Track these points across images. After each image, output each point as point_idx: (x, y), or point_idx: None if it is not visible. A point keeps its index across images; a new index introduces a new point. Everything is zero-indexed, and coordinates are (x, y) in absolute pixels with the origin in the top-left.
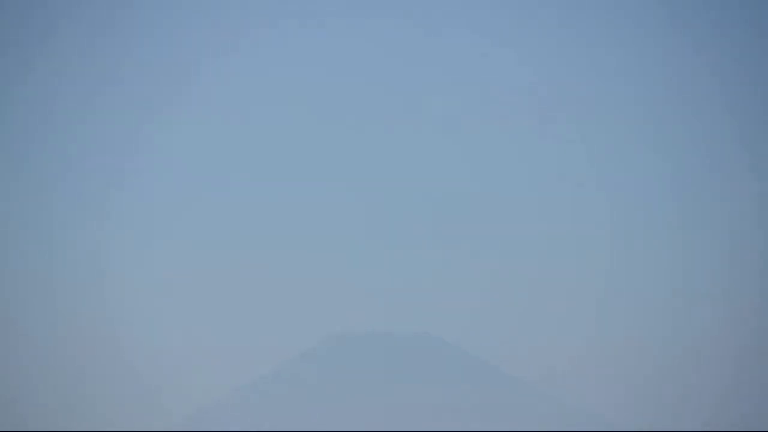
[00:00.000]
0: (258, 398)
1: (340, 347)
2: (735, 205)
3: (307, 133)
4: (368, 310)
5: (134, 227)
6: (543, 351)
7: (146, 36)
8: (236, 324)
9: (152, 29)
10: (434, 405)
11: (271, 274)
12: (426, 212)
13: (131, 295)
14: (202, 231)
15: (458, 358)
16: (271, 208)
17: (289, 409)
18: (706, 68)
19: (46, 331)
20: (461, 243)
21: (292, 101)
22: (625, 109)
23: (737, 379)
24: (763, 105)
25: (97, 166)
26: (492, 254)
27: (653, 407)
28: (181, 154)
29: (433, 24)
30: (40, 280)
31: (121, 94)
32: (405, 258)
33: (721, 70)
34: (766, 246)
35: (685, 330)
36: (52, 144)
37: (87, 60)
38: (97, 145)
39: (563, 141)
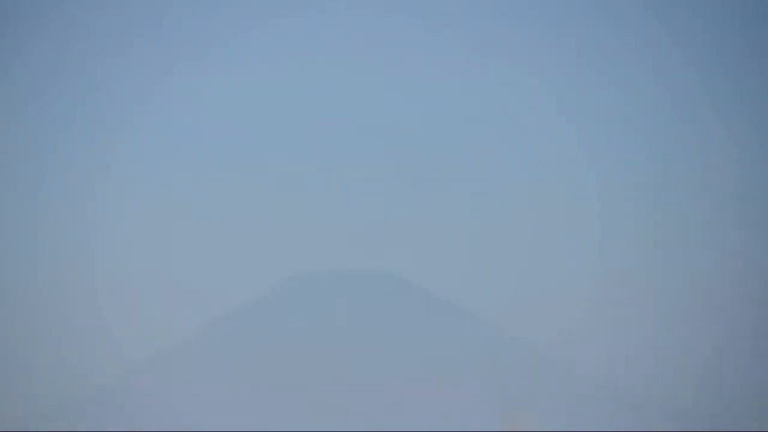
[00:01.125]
0: (221, 338)
1: (305, 287)
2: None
3: (279, 73)
4: (331, 250)
5: (101, 158)
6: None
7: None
8: (200, 263)
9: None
10: (399, 346)
11: (236, 214)
12: (396, 149)
13: (100, 230)
14: (169, 168)
15: (422, 298)
16: (237, 146)
17: (253, 349)
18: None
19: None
20: (436, 182)
21: (274, 34)
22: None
23: (736, 331)
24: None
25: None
26: (463, 194)
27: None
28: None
29: None
30: None
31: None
32: (371, 198)
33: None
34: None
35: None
36: None
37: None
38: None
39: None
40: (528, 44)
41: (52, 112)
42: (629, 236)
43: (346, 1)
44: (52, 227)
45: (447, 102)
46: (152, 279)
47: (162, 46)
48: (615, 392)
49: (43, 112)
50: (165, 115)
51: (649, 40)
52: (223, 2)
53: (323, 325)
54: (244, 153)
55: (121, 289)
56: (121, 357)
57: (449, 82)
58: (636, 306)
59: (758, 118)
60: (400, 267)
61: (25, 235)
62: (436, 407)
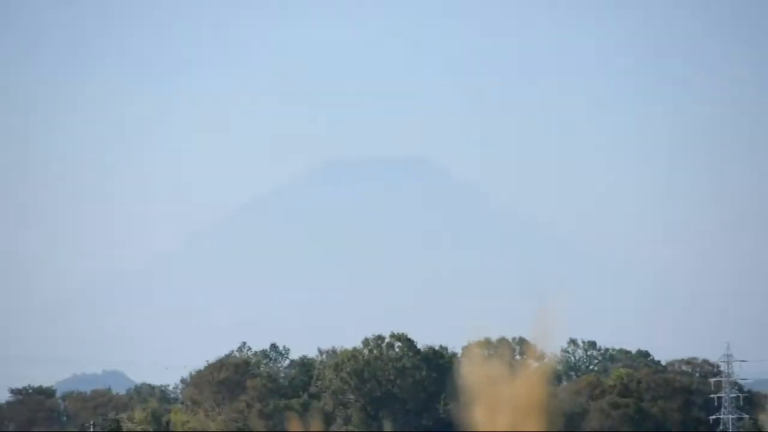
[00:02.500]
0: (255, 219)
1: (331, 171)
2: None
3: None
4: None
5: None
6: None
7: None
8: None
9: None
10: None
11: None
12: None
13: None
14: None
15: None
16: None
17: (289, 230)
18: None
19: None
20: None
21: None
22: None
23: None
24: None
25: None
26: None
27: None
28: None
29: None
30: None
31: None
32: None
33: None
34: None
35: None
36: None
37: None
38: None
39: None
40: None
41: None
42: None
43: None
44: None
45: None
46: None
47: None
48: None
49: None
50: None
51: None
52: None
53: (355, 206)
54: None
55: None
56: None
57: None
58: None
59: None
60: (432, 153)
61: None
62: (464, 285)
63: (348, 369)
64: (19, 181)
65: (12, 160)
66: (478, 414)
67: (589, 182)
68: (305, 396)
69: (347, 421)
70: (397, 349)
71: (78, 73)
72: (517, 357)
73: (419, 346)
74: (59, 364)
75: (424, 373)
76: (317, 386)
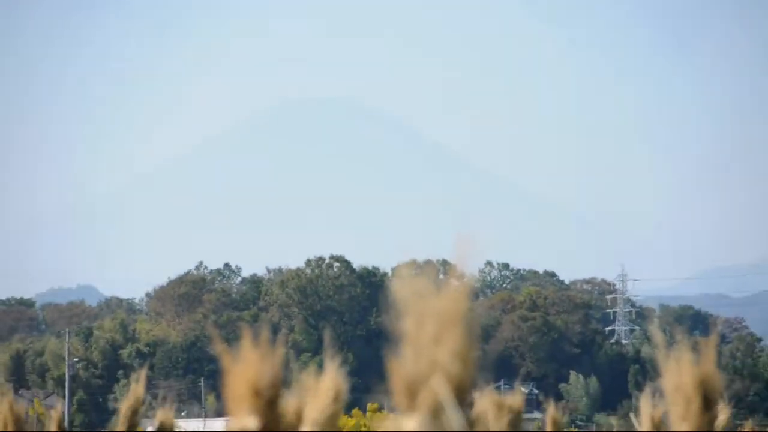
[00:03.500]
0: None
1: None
2: None
3: None
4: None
5: None
6: None
7: None
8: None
9: None
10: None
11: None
12: None
13: None
14: None
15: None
16: None
17: (247, 162)
18: None
19: None
20: None
21: None
22: None
23: None
24: None
25: None
26: None
27: None
28: None
29: None
30: None
31: None
32: None
33: None
34: None
35: None
36: None
37: None
38: None
39: None
40: None
41: None
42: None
43: None
44: None
45: None
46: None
47: None
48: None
49: None
50: None
51: None
52: None
53: (304, 143)
54: None
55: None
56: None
57: None
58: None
59: None
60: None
61: None
62: (394, 212)
63: (292, 286)
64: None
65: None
66: (406, 325)
67: (509, 116)
68: (255, 309)
69: (291, 330)
70: (335, 269)
71: None
72: (441, 276)
73: (355, 266)
74: (36, 278)
75: (358, 289)
76: (265, 301)
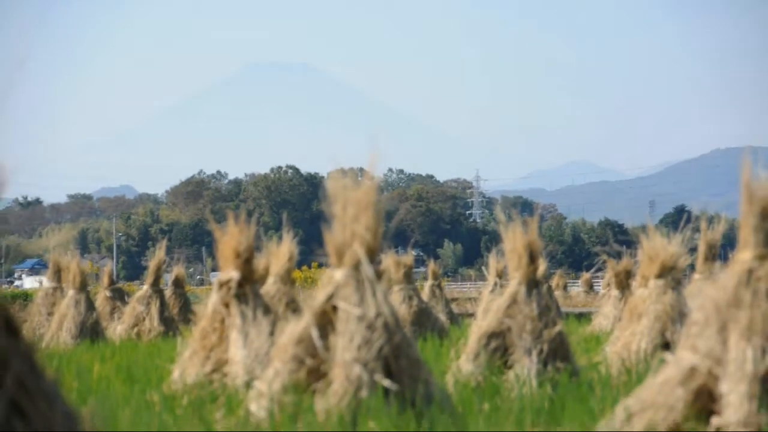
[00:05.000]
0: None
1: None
2: None
3: None
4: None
5: None
6: None
7: None
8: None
9: None
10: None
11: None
12: None
13: None
14: None
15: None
16: None
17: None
18: None
19: None
20: None
21: None
22: None
23: None
24: None
25: None
26: None
27: None
28: None
29: None
30: None
31: None
32: None
33: None
34: None
35: None
36: None
37: None
38: None
39: None
40: None
41: None
42: None
43: None
44: None
45: None
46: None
47: None
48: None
49: None
50: None
51: None
52: None
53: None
54: None
55: None
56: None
57: None
58: None
59: None
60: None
61: None
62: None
63: (261, 186)
64: None
65: None
66: (335, 210)
67: (435, 73)
68: (237, 201)
69: (261, 215)
70: (290, 174)
71: None
72: (359, 178)
73: (303, 172)
74: (92, 179)
75: (305, 188)
76: (244, 195)
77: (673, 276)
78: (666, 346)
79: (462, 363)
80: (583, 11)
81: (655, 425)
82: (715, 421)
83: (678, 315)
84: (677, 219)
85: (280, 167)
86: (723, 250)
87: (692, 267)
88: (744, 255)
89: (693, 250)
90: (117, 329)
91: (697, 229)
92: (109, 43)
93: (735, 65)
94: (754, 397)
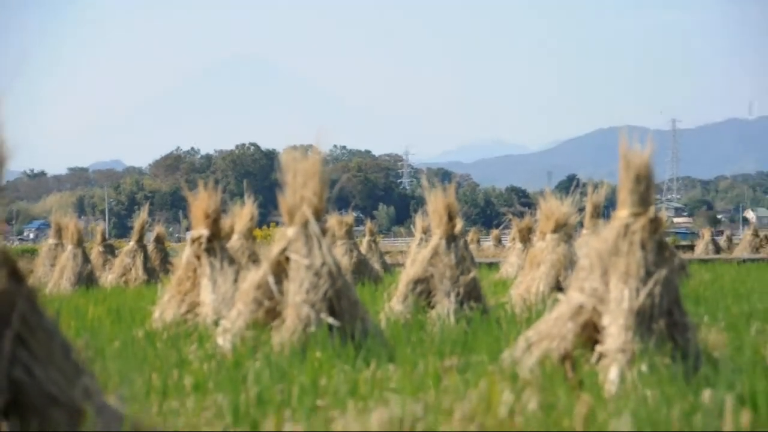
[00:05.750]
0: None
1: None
2: None
3: None
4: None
5: None
6: None
7: None
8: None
9: None
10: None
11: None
12: None
13: None
14: None
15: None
16: None
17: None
18: None
19: None
20: None
21: None
22: None
23: None
24: None
25: None
26: None
27: None
28: None
29: None
30: None
31: None
32: None
33: None
34: None
35: None
36: None
37: None
38: None
39: None
40: None
41: None
42: None
43: None
44: None
45: None
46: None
47: None
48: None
49: None
50: None
51: None
52: None
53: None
54: None
55: None
56: None
57: None
58: None
59: None
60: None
61: None
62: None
63: (228, 160)
64: None
65: None
66: (287, 178)
67: (374, 63)
68: (208, 172)
69: (227, 183)
70: (252, 150)
71: None
72: (308, 153)
73: (263, 148)
74: (88, 154)
75: (264, 161)
76: (213, 168)
77: (565, 231)
78: (559, 288)
79: (393, 304)
80: None
81: (550, 352)
82: (598, 348)
83: (569, 262)
84: (569, 186)
85: (244, 144)
86: (606, 210)
87: (581, 224)
88: (622, 213)
89: (581, 210)
90: (108, 278)
91: (584, 194)
92: (99, 40)
93: (614, 56)
94: (630, 329)
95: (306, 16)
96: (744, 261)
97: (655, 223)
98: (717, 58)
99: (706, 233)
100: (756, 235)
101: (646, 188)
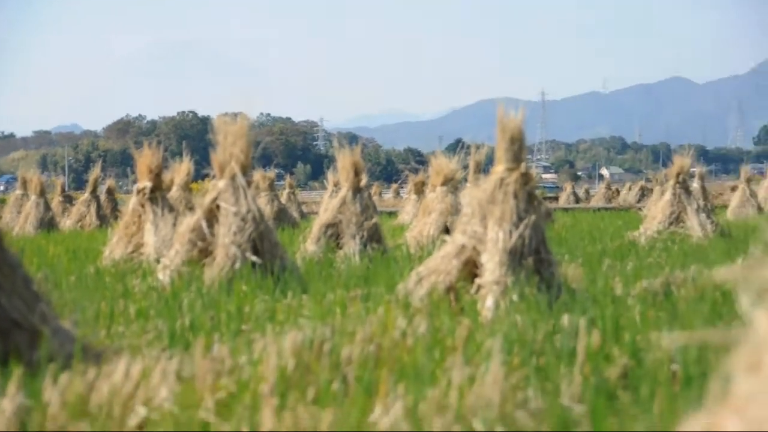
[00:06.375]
0: None
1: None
2: None
3: None
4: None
5: None
6: None
7: None
8: None
9: None
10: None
11: None
12: None
13: None
14: None
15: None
16: None
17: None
18: None
19: None
20: None
21: None
22: None
23: None
24: None
25: None
26: None
27: None
28: None
29: None
30: None
31: None
32: None
33: None
34: None
35: None
36: None
37: None
38: None
39: None
40: None
41: None
42: None
43: None
44: None
45: None
46: None
47: None
48: None
49: None
50: None
51: None
52: None
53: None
54: None
55: None
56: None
57: None
58: None
59: None
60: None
61: None
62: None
63: (170, 124)
64: None
65: None
66: (219, 139)
67: (296, 42)
68: (153, 135)
69: (169, 145)
70: (190, 117)
71: None
72: (237, 118)
73: (200, 115)
74: (52, 118)
75: (200, 126)
76: (158, 132)
77: (452, 185)
78: (446, 231)
79: (308, 245)
80: None
81: (437, 285)
82: (477, 281)
83: (455, 210)
84: (456, 148)
85: (184, 111)
86: (486, 167)
87: (465, 179)
88: (498, 168)
89: (466, 167)
90: (66, 223)
91: (468, 154)
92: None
93: (494, 35)
94: (504, 265)
95: (241, 6)
96: (599, 209)
97: (525, 177)
98: (579, 39)
99: (568, 187)
100: (609, 188)
101: (518, 148)
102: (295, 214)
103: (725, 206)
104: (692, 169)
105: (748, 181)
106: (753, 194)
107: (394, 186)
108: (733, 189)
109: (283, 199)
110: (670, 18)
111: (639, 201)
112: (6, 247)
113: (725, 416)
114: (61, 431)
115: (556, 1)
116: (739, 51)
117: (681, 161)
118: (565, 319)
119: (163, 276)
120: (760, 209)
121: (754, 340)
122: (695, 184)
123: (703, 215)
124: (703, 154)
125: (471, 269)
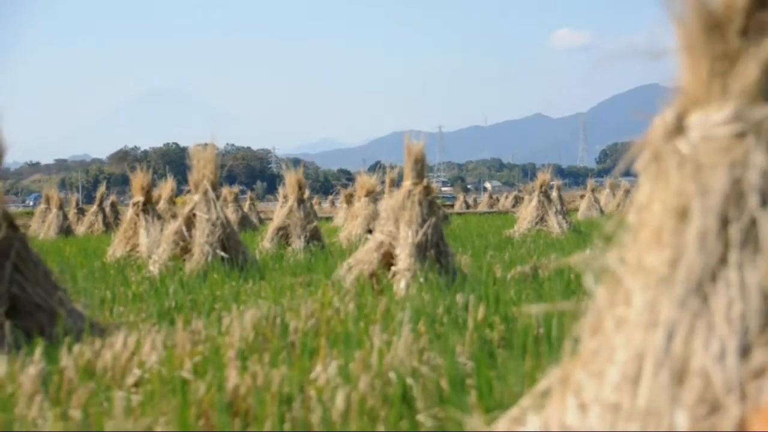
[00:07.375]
0: None
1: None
2: None
3: None
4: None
5: None
6: None
7: None
8: None
9: None
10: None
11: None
12: None
13: None
14: None
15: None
16: None
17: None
18: None
19: None
20: None
21: None
22: None
23: None
24: None
25: None
26: None
27: None
28: None
29: None
30: None
31: None
32: None
33: None
34: None
35: None
36: None
37: None
38: None
39: None
40: None
41: None
42: None
43: None
44: None
45: None
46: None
47: None
48: None
49: None
50: None
51: None
52: None
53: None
54: None
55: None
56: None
57: None
58: None
59: None
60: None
61: None
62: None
63: (159, 153)
64: None
65: None
66: (193, 162)
67: (254, 81)
68: (145, 162)
69: (158, 169)
70: (174, 147)
71: None
72: (207, 147)
73: (182, 145)
74: (64, 148)
75: (182, 154)
76: (149, 159)
77: (373, 196)
78: (369, 231)
79: (264, 243)
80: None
81: (363, 272)
82: (393, 269)
83: (375, 215)
84: (375, 168)
85: (168, 143)
86: (398, 182)
87: (383, 191)
88: (406, 183)
89: (383, 182)
90: (80, 230)
91: (385, 172)
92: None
93: (401, 78)
94: (412, 256)
95: (212, 54)
96: (483, 213)
97: (427, 189)
98: (468, 85)
99: (461, 197)
100: (491, 197)
101: (421, 168)
102: (255, 220)
103: (576, 210)
104: (552, 183)
105: (593, 191)
106: (596, 200)
107: (330, 198)
108: (582, 197)
109: (246, 208)
110: (532, 65)
111: (513, 206)
112: (30, 247)
113: (576, 368)
114: (74, 389)
115: (460, 52)
116: (582, 93)
117: (543, 176)
118: (459, 296)
119: (153, 268)
120: (602, 212)
121: (595, 309)
122: (554, 194)
123: (560, 217)
124: (559, 172)
125: (388, 260)
